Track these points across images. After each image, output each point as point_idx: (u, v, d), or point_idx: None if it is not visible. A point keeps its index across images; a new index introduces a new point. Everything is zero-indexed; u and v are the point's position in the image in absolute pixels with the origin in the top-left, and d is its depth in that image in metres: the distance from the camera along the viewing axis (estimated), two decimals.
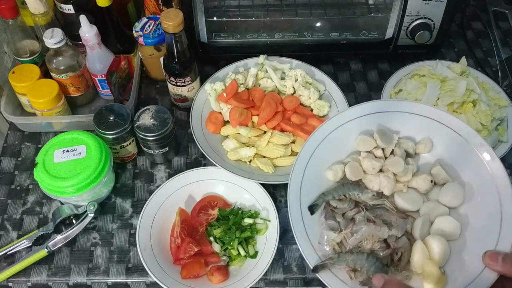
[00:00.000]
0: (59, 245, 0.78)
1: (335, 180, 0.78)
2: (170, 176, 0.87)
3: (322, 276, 0.69)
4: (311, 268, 0.69)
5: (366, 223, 0.71)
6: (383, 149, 0.79)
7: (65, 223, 0.81)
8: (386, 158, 0.79)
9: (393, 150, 0.79)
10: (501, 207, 0.69)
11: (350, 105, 0.92)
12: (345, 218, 0.74)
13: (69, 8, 0.94)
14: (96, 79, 0.94)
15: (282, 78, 0.96)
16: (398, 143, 0.79)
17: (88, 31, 0.86)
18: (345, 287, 0.68)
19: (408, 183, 0.77)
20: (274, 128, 0.89)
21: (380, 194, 0.76)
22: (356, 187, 0.76)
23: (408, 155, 0.79)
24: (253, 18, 0.98)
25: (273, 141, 0.86)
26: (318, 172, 0.77)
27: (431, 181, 0.76)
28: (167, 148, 0.87)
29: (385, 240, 0.71)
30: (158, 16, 0.97)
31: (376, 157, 0.79)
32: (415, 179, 0.77)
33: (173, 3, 0.96)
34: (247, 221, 0.80)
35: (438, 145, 0.79)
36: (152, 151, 0.87)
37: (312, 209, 0.74)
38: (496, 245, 0.67)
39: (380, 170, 0.78)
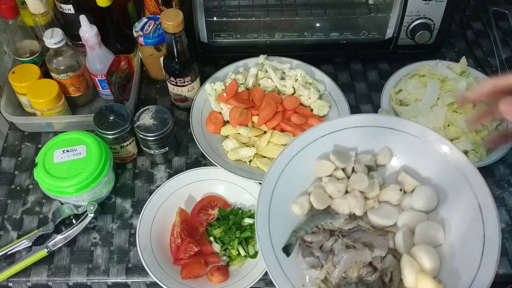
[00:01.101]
0: (59, 245, 0.78)
1: (303, 213, 0.73)
2: (170, 176, 0.87)
3: None
4: None
5: (346, 250, 0.67)
6: (343, 170, 0.75)
7: (65, 223, 0.81)
8: (349, 177, 0.75)
9: (353, 167, 0.75)
10: (477, 198, 0.67)
11: (350, 105, 0.92)
12: (323, 250, 0.69)
13: (69, 8, 0.94)
14: (96, 79, 0.94)
15: (282, 78, 0.96)
16: (356, 159, 0.76)
17: (88, 31, 0.86)
18: None
19: (378, 197, 0.74)
20: (274, 128, 0.89)
21: (352, 217, 0.72)
22: (326, 215, 0.71)
23: (370, 168, 0.76)
24: (253, 18, 0.99)
25: (273, 141, 0.86)
26: (284, 209, 0.72)
27: (400, 190, 0.73)
28: (167, 148, 0.87)
29: (370, 264, 0.67)
30: (158, 16, 0.97)
31: (338, 179, 0.75)
32: (384, 192, 0.73)
33: (173, 3, 0.96)
34: (247, 221, 0.80)
35: (398, 152, 0.76)
36: (152, 151, 0.87)
37: (287, 250, 0.68)
38: (484, 239, 0.64)
39: (346, 192, 0.74)
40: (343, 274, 0.66)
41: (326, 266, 0.67)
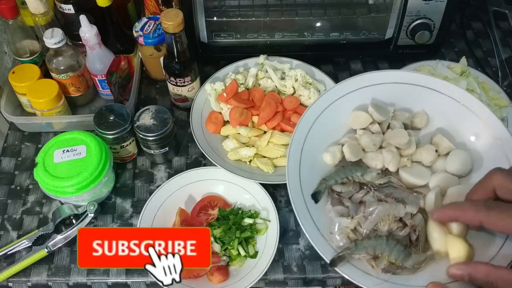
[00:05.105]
0: (59, 245, 0.78)
1: (334, 163, 0.73)
2: (170, 176, 0.87)
3: (341, 269, 0.63)
4: (328, 262, 0.63)
5: (379, 202, 0.66)
6: (379, 124, 0.74)
7: (65, 223, 0.81)
8: (383, 133, 0.74)
9: (389, 124, 0.74)
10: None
11: None
12: (353, 201, 0.69)
13: (69, 8, 0.94)
14: (96, 79, 0.94)
15: (282, 78, 0.96)
16: (394, 115, 0.74)
17: (88, 31, 0.86)
18: (368, 278, 0.63)
19: (412, 157, 0.73)
20: (274, 128, 0.89)
21: (384, 172, 0.71)
22: (357, 167, 0.71)
23: (406, 127, 0.75)
24: (253, 18, 0.98)
25: (273, 141, 0.86)
26: (315, 157, 0.72)
27: (436, 151, 0.71)
28: (167, 148, 0.87)
29: (400, 219, 0.66)
30: (158, 16, 0.97)
31: (373, 133, 0.73)
32: (418, 151, 0.72)
33: (173, 3, 0.96)
34: (247, 221, 0.80)
35: (434, 113, 0.75)
36: (152, 151, 0.87)
37: (315, 197, 0.69)
38: None
39: (380, 147, 0.73)
40: (374, 226, 0.66)
41: (358, 216, 0.67)
